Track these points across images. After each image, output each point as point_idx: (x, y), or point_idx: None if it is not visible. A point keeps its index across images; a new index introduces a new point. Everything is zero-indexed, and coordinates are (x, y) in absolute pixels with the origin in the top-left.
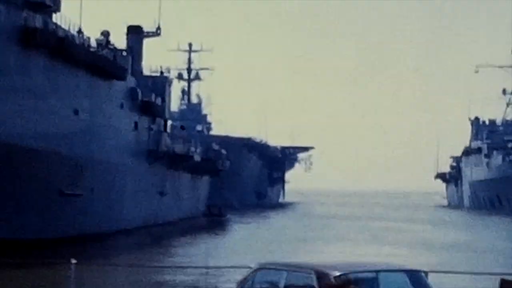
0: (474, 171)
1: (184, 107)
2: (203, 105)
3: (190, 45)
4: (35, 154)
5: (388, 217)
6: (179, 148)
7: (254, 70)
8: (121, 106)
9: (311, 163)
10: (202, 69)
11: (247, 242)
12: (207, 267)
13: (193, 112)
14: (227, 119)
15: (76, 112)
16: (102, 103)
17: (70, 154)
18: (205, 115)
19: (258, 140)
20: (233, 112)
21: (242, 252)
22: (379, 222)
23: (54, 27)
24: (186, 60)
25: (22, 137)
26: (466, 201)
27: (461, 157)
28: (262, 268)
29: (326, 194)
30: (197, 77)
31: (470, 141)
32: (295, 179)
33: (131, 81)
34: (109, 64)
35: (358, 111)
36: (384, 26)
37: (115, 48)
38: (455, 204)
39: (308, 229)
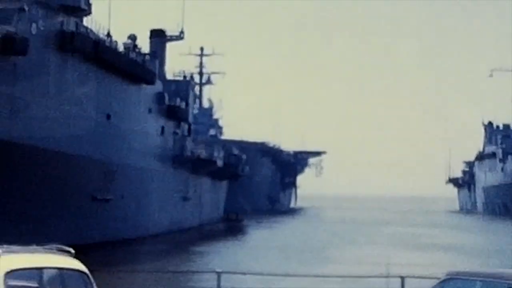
0: (488, 176)
1: (196, 111)
2: (214, 109)
3: (201, 49)
4: (69, 159)
5: (405, 222)
6: (202, 153)
7: (264, 74)
8: (149, 110)
9: (321, 168)
10: (213, 73)
11: (273, 249)
12: (387, 276)
13: (205, 116)
14: (237, 123)
15: (108, 117)
16: (132, 107)
17: (102, 159)
18: (217, 119)
19: (271, 144)
20: (242, 116)
21: (274, 259)
22: (397, 227)
23: (85, 30)
24: (198, 64)
25: (57, 142)
26: (480, 206)
27: (474, 162)
28: (453, 277)
29: (337, 199)
30: (209, 81)
31: (484, 146)
32: (305, 184)
33: (158, 85)
34: (140, 68)
35: (369, 116)
36: (397, 31)
37: (139, 52)
38: (467, 209)
39: (330, 234)
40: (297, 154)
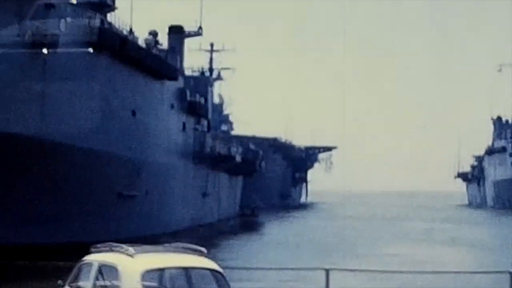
0: (498, 171)
1: None
2: (224, 105)
3: (211, 45)
4: (97, 156)
5: (419, 218)
6: (221, 148)
7: (274, 69)
8: (172, 106)
9: (331, 163)
10: (224, 68)
11: (301, 245)
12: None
13: (215, 112)
14: (247, 118)
15: (133, 113)
16: (156, 103)
17: (128, 155)
18: (227, 115)
19: (283, 140)
20: (252, 111)
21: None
22: (414, 222)
23: (109, 27)
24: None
25: (85, 139)
26: (489, 201)
27: (483, 156)
28: None
29: (346, 194)
30: (219, 77)
31: (493, 140)
32: (315, 179)
33: (180, 81)
34: (164, 64)
35: (378, 111)
36: (406, 24)
37: (160, 48)
38: (476, 204)
39: (350, 230)
40: (308, 149)
